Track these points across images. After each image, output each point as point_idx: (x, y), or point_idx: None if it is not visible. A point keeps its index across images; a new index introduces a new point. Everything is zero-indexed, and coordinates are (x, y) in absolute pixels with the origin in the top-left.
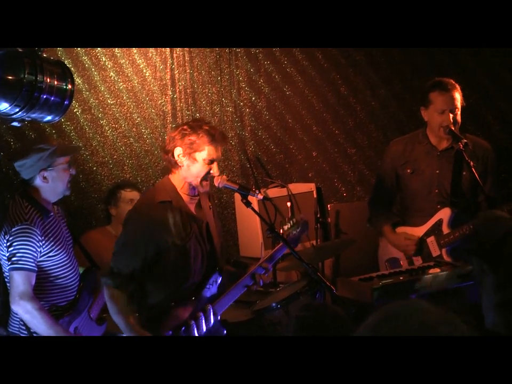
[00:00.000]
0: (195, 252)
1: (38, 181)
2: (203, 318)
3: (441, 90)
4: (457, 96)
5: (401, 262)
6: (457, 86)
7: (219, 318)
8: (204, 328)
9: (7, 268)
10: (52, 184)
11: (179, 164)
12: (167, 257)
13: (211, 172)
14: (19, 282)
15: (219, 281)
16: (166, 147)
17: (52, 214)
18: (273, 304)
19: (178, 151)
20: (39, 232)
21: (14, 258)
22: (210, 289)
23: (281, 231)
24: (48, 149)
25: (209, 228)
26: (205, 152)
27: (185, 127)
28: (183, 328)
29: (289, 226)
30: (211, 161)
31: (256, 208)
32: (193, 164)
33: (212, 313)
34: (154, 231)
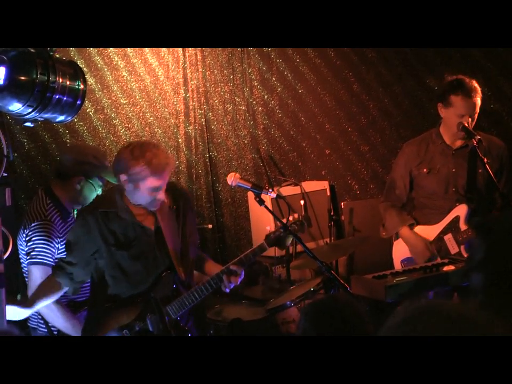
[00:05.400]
0: (139, 258)
1: (73, 182)
2: (149, 320)
3: (465, 96)
4: (479, 101)
5: (417, 261)
6: (479, 89)
7: (179, 318)
8: (152, 329)
9: (26, 262)
10: (79, 192)
11: (125, 188)
12: (110, 263)
13: (157, 198)
14: (37, 276)
15: (173, 283)
16: (112, 168)
17: (71, 215)
18: (287, 303)
19: (123, 178)
20: (57, 229)
21: (33, 253)
22: (163, 291)
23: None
24: (107, 169)
25: (161, 233)
26: (147, 183)
27: (127, 155)
28: (126, 329)
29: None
30: (155, 190)
31: (270, 206)
32: (138, 191)
33: (163, 315)
34: (90, 237)
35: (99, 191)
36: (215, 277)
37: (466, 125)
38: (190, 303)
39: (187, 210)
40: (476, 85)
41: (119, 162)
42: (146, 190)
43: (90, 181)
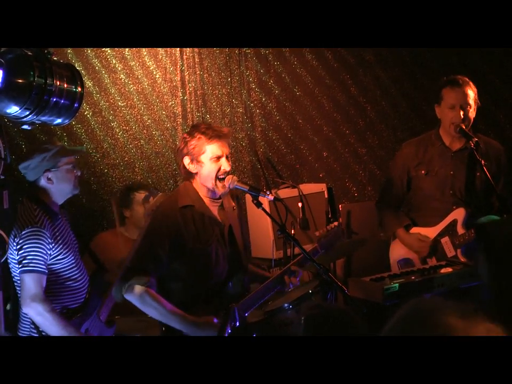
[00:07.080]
0: (216, 254)
1: (43, 182)
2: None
3: (453, 85)
4: (470, 92)
5: (414, 262)
6: (470, 82)
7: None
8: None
9: (18, 271)
10: (57, 185)
11: (192, 172)
12: (188, 260)
13: (222, 168)
14: (30, 284)
15: (243, 280)
16: (177, 160)
17: (59, 216)
18: (285, 305)
19: (186, 161)
20: (48, 235)
21: (24, 261)
22: (235, 289)
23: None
24: (51, 150)
25: (232, 230)
26: (207, 152)
27: (185, 135)
28: None
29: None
30: (218, 159)
31: (267, 208)
32: (202, 167)
33: (236, 312)
34: (176, 235)
35: (76, 172)
36: (278, 278)
37: (463, 126)
38: (257, 303)
39: (241, 210)
40: (467, 79)
41: (178, 150)
42: (209, 162)
43: (57, 169)
